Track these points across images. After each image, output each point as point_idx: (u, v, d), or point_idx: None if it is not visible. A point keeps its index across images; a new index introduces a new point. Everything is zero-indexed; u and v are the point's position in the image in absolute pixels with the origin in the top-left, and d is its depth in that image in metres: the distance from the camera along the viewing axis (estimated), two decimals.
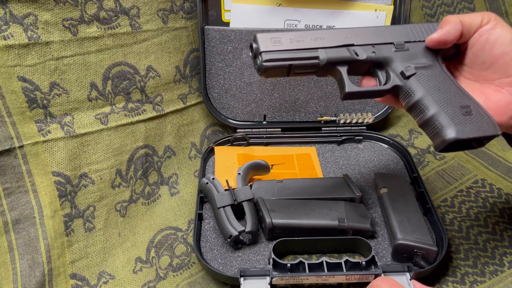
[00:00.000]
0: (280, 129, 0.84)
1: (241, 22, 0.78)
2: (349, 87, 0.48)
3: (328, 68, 0.49)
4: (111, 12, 0.66)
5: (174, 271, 0.62)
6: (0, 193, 0.57)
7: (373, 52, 0.50)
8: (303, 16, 0.79)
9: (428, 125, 0.46)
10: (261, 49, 0.47)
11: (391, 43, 0.50)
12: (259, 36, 0.48)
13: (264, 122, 0.84)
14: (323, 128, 0.84)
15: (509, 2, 0.87)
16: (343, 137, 0.84)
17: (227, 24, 0.79)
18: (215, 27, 0.77)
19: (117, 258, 0.63)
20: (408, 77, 0.48)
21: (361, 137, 0.84)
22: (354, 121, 0.83)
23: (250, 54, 0.50)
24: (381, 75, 0.50)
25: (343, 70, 0.49)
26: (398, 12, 0.79)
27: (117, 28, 0.67)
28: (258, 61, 0.48)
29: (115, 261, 0.63)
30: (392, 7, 0.79)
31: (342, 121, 0.83)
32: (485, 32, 0.46)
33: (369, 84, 0.51)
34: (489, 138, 0.44)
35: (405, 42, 0.50)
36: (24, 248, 0.57)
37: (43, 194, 0.60)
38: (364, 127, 0.84)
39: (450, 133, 0.43)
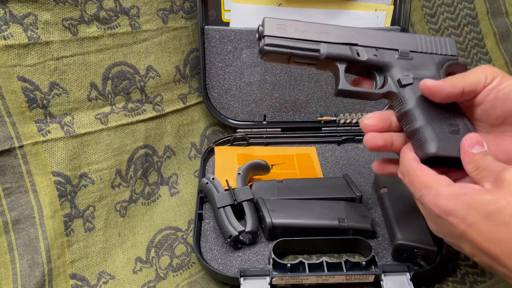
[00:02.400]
0: (280, 129, 0.84)
1: (241, 22, 0.78)
2: (343, 84, 0.49)
3: (328, 63, 0.50)
4: (111, 12, 0.66)
5: (174, 271, 0.62)
6: (0, 193, 0.57)
7: (375, 55, 0.50)
8: (303, 16, 0.79)
9: (413, 136, 0.46)
10: (265, 33, 0.48)
11: (395, 50, 0.50)
12: (267, 20, 0.49)
13: (264, 122, 0.84)
14: (323, 128, 0.84)
15: (509, 2, 0.87)
16: (343, 137, 0.84)
17: (227, 24, 0.79)
18: (215, 27, 0.77)
19: (117, 258, 0.63)
20: (404, 86, 0.48)
21: (361, 137, 0.84)
22: (354, 121, 0.83)
23: (257, 35, 0.50)
24: (379, 78, 0.50)
25: (342, 67, 0.49)
26: (398, 12, 0.79)
27: (117, 28, 0.67)
28: (261, 43, 0.49)
29: (115, 261, 0.63)
30: (392, 7, 0.79)
31: (342, 121, 0.83)
32: (492, 89, 0.44)
33: (363, 85, 0.52)
34: None
35: (411, 51, 0.50)
36: (24, 248, 0.57)
37: (43, 194, 0.60)
38: None
39: (431, 148, 0.43)
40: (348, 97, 0.50)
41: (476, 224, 0.36)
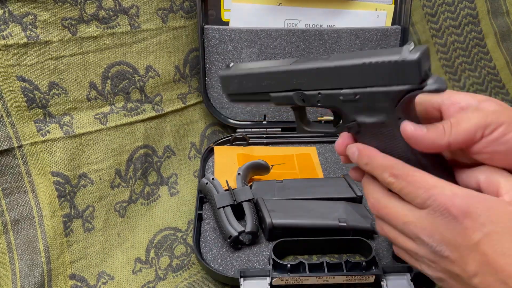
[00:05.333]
0: (280, 129, 0.84)
1: (241, 22, 0.78)
2: (300, 129, 0.47)
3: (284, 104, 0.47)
4: (111, 12, 0.66)
5: (174, 272, 0.62)
6: None
7: (318, 101, 0.42)
8: (303, 15, 0.78)
9: None
10: (223, 91, 0.49)
11: (339, 89, 0.40)
12: (220, 78, 0.49)
13: (264, 122, 0.84)
14: None
15: (510, 1, 0.87)
16: None
17: (227, 23, 0.79)
18: (215, 26, 0.77)
19: (116, 258, 0.63)
20: (354, 133, 0.42)
21: None
22: None
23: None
24: (333, 114, 0.45)
25: (295, 111, 0.47)
26: (398, 12, 0.78)
27: (117, 27, 0.67)
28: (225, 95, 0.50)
29: (114, 261, 0.63)
30: (392, 6, 0.78)
31: None
32: (492, 142, 0.36)
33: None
34: None
35: (358, 87, 0.39)
36: (23, 248, 0.57)
37: (42, 194, 0.59)
38: None
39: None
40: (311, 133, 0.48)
41: (496, 234, 0.32)
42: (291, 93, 0.44)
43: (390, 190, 0.39)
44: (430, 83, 0.35)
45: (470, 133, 0.35)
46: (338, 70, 0.40)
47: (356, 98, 0.39)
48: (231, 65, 0.48)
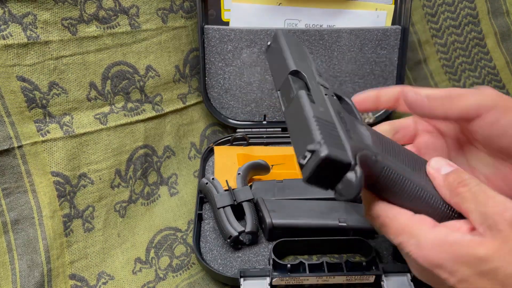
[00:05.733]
0: (280, 129, 0.84)
1: (241, 22, 0.78)
2: None
3: None
4: (111, 12, 0.66)
5: (174, 272, 0.62)
6: None
7: None
8: (303, 15, 0.78)
9: None
10: None
11: None
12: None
13: (264, 122, 0.84)
14: None
15: (510, 1, 0.87)
16: None
17: (227, 23, 0.79)
18: (215, 26, 0.77)
19: (116, 258, 0.63)
20: None
21: None
22: None
23: None
24: None
25: None
26: (398, 12, 0.78)
27: (117, 27, 0.67)
28: None
29: (114, 261, 0.63)
30: (392, 6, 0.78)
31: None
32: (487, 126, 0.38)
33: None
34: None
35: None
36: (23, 248, 0.57)
37: (42, 194, 0.59)
38: None
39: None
40: None
41: (468, 280, 0.32)
42: None
43: None
44: (338, 191, 0.32)
45: (466, 110, 0.38)
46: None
47: None
48: (269, 43, 0.45)
